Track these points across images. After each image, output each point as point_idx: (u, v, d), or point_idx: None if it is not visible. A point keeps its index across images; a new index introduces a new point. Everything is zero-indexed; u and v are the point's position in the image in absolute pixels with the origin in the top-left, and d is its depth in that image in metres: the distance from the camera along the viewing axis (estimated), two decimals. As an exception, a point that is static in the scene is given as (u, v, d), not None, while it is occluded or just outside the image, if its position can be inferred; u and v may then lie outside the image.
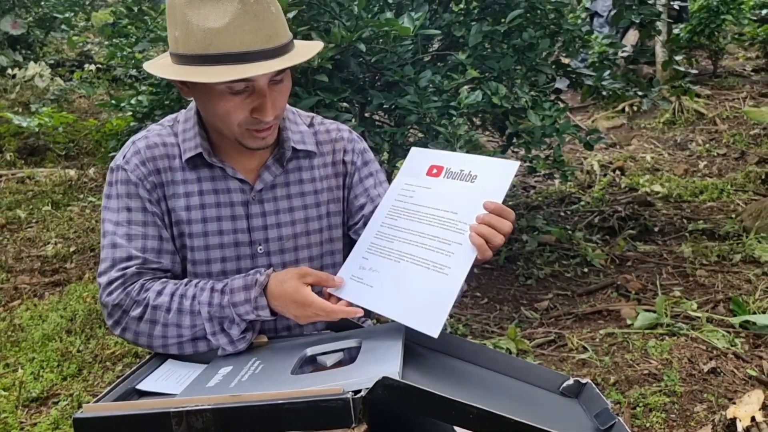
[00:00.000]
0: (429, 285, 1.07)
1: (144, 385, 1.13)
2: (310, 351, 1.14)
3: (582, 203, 4.07)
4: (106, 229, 1.24)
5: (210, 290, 1.19)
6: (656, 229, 3.74)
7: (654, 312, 2.62)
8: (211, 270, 1.26)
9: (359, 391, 0.91)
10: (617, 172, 4.71)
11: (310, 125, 1.35)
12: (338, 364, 1.11)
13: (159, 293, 1.19)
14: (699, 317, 2.59)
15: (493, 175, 1.12)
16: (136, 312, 1.19)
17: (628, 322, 2.61)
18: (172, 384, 1.12)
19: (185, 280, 1.23)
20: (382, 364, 0.98)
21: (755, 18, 6.87)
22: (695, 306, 2.70)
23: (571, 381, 1.18)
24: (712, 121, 5.72)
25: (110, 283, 1.21)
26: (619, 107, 5.96)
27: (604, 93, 3.36)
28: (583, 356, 2.35)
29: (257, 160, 1.28)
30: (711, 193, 4.20)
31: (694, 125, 5.73)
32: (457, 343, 1.22)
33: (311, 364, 1.13)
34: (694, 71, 5.91)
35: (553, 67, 3.03)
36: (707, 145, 5.27)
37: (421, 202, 1.17)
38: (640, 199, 4.13)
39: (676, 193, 4.26)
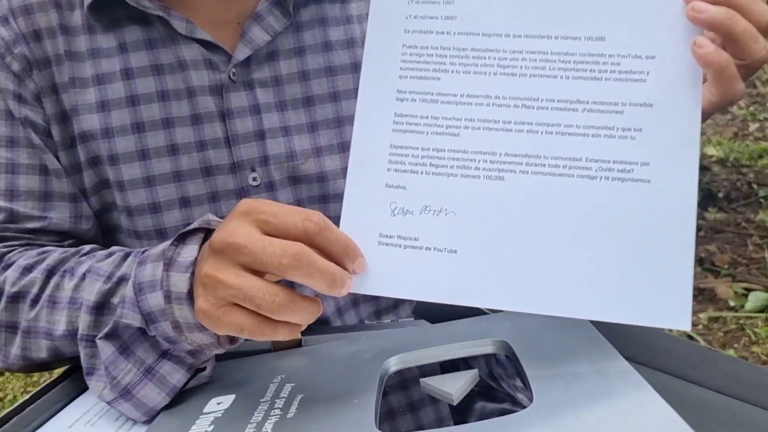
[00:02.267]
0: (609, 214, 0.47)
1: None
2: (398, 364, 0.54)
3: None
4: None
5: (114, 263, 0.58)
6: (720, 195, 3.21)
7: (764, 291, 2.06)
8: (162, 225, 0.65)
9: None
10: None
11: None
12: (470, 396, 0.51)
13: (25, 271, 0.59)
14: (819, 297, 2.03)
15: None
16: None
17: (731, 303, 2.05)
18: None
19: (87, 248, 0.63)
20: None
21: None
22: (810, 283, 2.14)
23: None
24: (751, 83, 5.23)
25: None
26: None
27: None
28: (693, 349, 1.77)
29: (237, 5, 0.66)
30: (773, 157, 3.67)
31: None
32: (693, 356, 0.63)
33: (407, 390, 0.53)
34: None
35: None
36: (751, 108, 4.78)
37: (487, 26, 0.51)
38: (697, 161, 3.59)
39: (733, 157, 3.74)
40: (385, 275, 0.50)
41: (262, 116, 0.65)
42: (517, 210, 0.49)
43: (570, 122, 0.49)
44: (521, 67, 0.50)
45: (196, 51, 0.64)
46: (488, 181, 0.50)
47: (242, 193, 0.65)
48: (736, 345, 1.83)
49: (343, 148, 0.68)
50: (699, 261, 2.47)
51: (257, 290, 0.45)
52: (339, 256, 0.48)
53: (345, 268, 0.48)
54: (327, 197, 0.67)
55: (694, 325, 1.96)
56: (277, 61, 0.65)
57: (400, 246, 0.51)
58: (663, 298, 0.45)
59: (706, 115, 0.47)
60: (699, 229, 2.77)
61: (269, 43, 0.64)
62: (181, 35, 0.63)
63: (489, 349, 0.54)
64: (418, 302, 0.63)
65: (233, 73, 0.64)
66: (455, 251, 0.49)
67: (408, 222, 0.51)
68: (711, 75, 0.47)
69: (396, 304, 0.75)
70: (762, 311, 1.98)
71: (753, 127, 4.44)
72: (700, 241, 2.68)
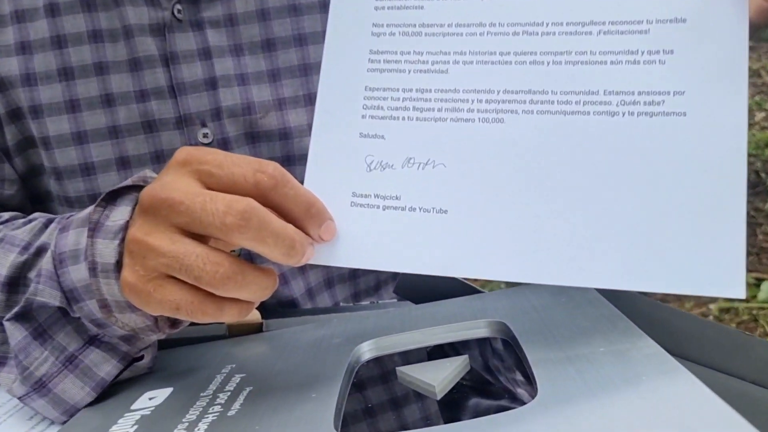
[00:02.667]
0: (649, 159, 0.37)
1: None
2: (371, 351, 0.44)
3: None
4: None
5: (33, 231, 0.48)
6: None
7: (776, 280, 1.97)
8: (96, 189, 0.55)
9: None
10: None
11: None
12: (461, 390, 0.42)
13: None
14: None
15: None
16: None
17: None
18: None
19: (6, 216, 0.53)
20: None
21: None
22: (824, 272, 2.04)
23: None
24: (756, 73, 5.15)
25: None
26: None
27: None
28: (705, 341, 1.67)
29: None
30: (780, 145, 3.59)
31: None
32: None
33: (382, 383, 0.44)
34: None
35: None
36: (756, 98, 4.70)
37: None
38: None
39: (739, 145, 3.65)
40: (359, 243, 0.41)
41: (214, 61, 0.55)
42: (522, 158, 0.39)
43: (583, 48, 0.39)
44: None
45: None
46: (485, 124, 0.40)
47: None
48: (749, 336, 1.73)
49: (311, 100, 0.58)
50: (707, 250, 2.37)
51: (196, 258, 0.35)
52: (301, 217, 0.38)
53: (308, 234, 0.39)
54: (291, 158, 0.57)
55: (704, 315, 1.86)
56: None
57: (378, 207, 0.41)
58: (710, 260, 0.35)
59: (754, 27, 0.38)
60: None
61: None
62: None
63: (483, 332, 0.45)
64: (402, 278, 0.54)
65: (178, 11, 0.54)
66: (446, 211, 0.40)
67: (388, 178, 0.41)
68: None
69: (378, 285, 0.65)
70: (775, 301, 1.89)
71: (759, 116, 4.35)
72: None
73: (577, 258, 0.37)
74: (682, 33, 0.37)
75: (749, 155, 3.94)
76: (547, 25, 0.40)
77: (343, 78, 0.44)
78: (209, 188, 0.37)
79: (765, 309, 1.85)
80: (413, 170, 0.41)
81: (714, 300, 1.95)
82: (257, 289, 0.37)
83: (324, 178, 0.42)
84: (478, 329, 0.45)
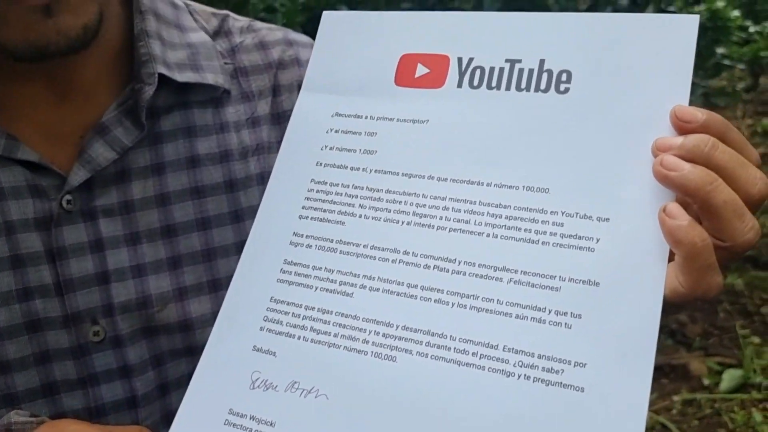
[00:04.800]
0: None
1: None
2: None
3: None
4: None
5: None
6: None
7: (737, 366, 1.96)
8: None
9: None
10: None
11: (220, 32, 0.58)
12: None
13: None
14: (796, 371, 1.93)
15: (650, 51, 0.38)
16: None
17: (705, 382, 1.94)
18: None
19: None
20: None
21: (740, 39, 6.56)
22: (785, 356, 2.04)
23: None
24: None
25: None
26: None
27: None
28: (668, 441, 1.64)
29: (78, 115, 0.52)
30: (738, 215, 3.65)
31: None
32: None
33: None
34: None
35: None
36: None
37: (409, 165, 0.41)
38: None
39: (698, 216, 3.69)
40: None
41: (107, 253, 0.51)
42: (406, 405, 0.36)
43: (490, 295, 0.37)
44: (441, 218, 0.39)
45: (18, 175, 0.50)
46: (376, 360, 0.38)
47: (80, 351, 0.51)
48: (712, 433, 1.70)
49: (215, 286, 0.54)
50: (670, 333, 2.36)
51: None
52: None
53: None
54: (194, 349, 0.53)
55: (668, 410, 1.83)
56: (128, 182, 0.53)
57: (250, 431, 0.38)
58: None
59: (668, 308, 0.35)
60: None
61: (117, 160, 0.52)
62: None
63: None
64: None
65: (68, 201, 0.51)
66: None
67: (268, 400, 0.39)
68: (681, 257, 0.35)
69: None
70: (737, 390, 1.87)
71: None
72: (670, 311, 2.58)
73: None
74: (594, 297, 0.35)
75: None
76: (460, 263, 0.38)
77: (252, 285, 0.42)
78: None
79: (728, 401, 1.83)
80: (295, 396, 0.38)
81: (677, 392, 1.92)
82: None
83: (205, 391, 0.40)
84: None
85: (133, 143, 0.52)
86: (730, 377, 1.89)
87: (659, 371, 2.09)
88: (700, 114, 0.36)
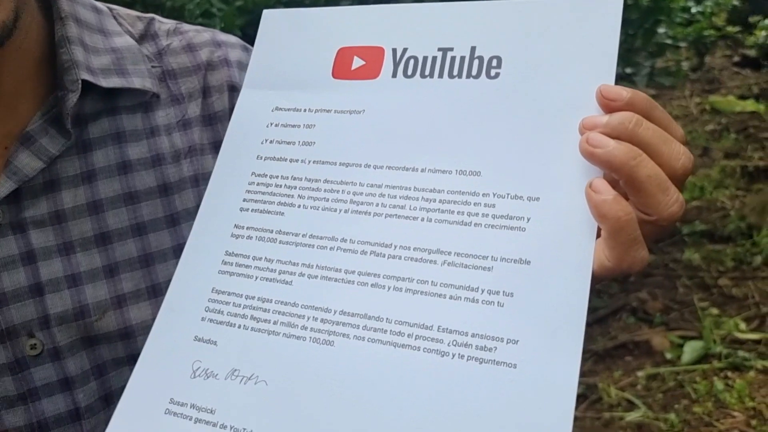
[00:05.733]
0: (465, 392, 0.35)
1: None
2: None
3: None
4: None
5: None
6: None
7: (698, 338, 2.01)
8: None
9: None
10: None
11: (147, 35, 0.57)
12: None
13: None
14: (754, 339, 1.98)
15: (572, 33, 0.39)
16: None
17: (668, 356, 1.98)
18: None
19: None
20: None
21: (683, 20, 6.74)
22: (743, 325, 2.10)
23: None
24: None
25: None
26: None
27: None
28: (634, 415, 1.67)
29: (2, 125, 0.51)
30: (691, 192, 3.75)
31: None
32: None
33: None
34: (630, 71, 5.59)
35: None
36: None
37: (346, 155, 0.42)
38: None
39: (654, 195, 3.79)
40: None
41: (39, 265, 0.50)
42: (345, 388, 0.37)
43: (425, 277, 0.37)
44: (377, 205, 0.40)
45: None
46: (314, 345, 0.38)
47: (18, 366, 0.50)
48: (676, 405, 1.74)
49: (155, 292, 0.54)
50: (632, 311, 2.40)
51: None
52: None
53: None
54: (136, 357, 0.52)
55: (632, 385, 1.87)
56: (58, 192, 0.51)
57: (191, 419, 0.39)
58: None
59: (595, 281, 0.35)
60: (629, 275, 2.74)
61: (45, 170, 0.51)
62: None
63: None
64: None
65: (1, 217, 0.50)
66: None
67: (208, 388, 0.40)
68: (606, 231, 0.35)
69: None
70: (699, 362, 1.91)
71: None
72: (630, 289, 2.63)
73: None
74: (525, 275, 0.35)
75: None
76: (396, 247, 0.39)
77: (193, 277, 0.43)
78: None
79: (690, 372, 1.87)
80: (235, 384, 0.39)
81: (641, 366, 1.96)
82: None
83: (147, 382, 0.41)
84: None
85: (60, 152, 0.51)
86: (691, 349, 1.93)
87: (623, 348, 2.13)
88: (624, 92, 0.37)
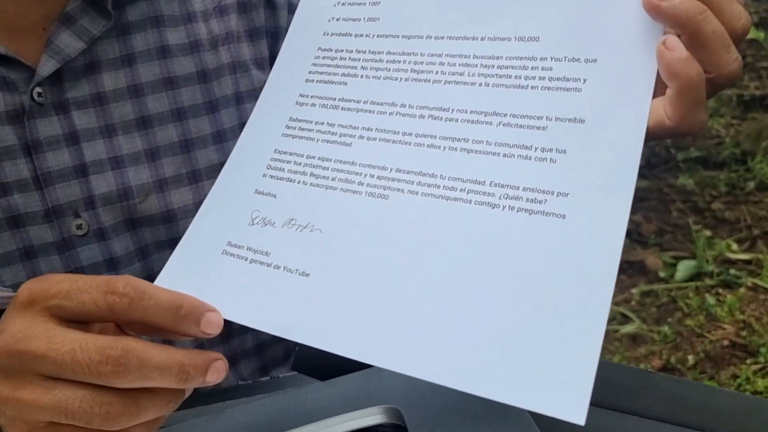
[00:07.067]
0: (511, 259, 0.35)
1: None
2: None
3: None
4: None
5: None
6: (641, 162, 3.23)
7: (691, 258, 2.05)
8: None
9: None
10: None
11: None
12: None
13: None
14: (745, 259, 2.04)
15: None
16: None
17: (661, 274, 2.04)
18: None
19: None
20: None
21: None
22: (735, 246, 2.15)
23: None
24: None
25: None
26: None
27: None
28: (628, 328, 1.73)
29: (41, 6, 0.50)
30: (688, 119, 3.75)
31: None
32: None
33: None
34: None
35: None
36: (663, 72, 4.89)
37: (408, 27, 0.43)
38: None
39: (651, 122, 3.79)
40: (221, 293, 0.39)
41: (83, 146, 0.51)
42: (397, 237, 0.38)
43: (480, 137, 0.39)
44: (437, 72, 0.41)
45: None
46: (370, 198, 0.40)
47: (65, 245, 0.52)
48: (669, 319, 1.80)
49: (195, 177, 0.55)
50: (627, 233, 2.44)
51: (80, 402, 0.32)
52: (171, 324, 0.35)
53: (189, 335, 0.37)
54: (178, 241, 0.54)
55: (627, 301, 1.93)
56: (98, 74, 0.52)
57: (246, 259, 0.41)
58: (560, 379, 0.32)
59: (650, 138, 0.36)
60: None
61: (86, 51, 0.51)
62: None
63: (376, 419, 0.44)
64: (298, 354, 0.52)
65: (39, 94, 0.50)
66: (308, 275, 0.39)
67: (265, 234, 0.42)
68: (675, 90, 0.35)
69: (287, 354, 0.64)
70: (692, 279, 1.97)
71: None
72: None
73: (422, 348, 0.35)
74: (579, 133, 0.36)
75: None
76: (453, 111, 0.40)
77: (258, 141, 0.45)
78: (65, 322, 0.34)
79: (683, 289, 1.93)
80: (291, 231, 0.41)
81: (635, 284, 2.02)
82: (160, 409, 0.34)
83: (206, 228, 0.43)
84: (371, 417, 0.44)
85: (101, 33, 0.51)
86: (684, 268, 1.98)
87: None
88: None
